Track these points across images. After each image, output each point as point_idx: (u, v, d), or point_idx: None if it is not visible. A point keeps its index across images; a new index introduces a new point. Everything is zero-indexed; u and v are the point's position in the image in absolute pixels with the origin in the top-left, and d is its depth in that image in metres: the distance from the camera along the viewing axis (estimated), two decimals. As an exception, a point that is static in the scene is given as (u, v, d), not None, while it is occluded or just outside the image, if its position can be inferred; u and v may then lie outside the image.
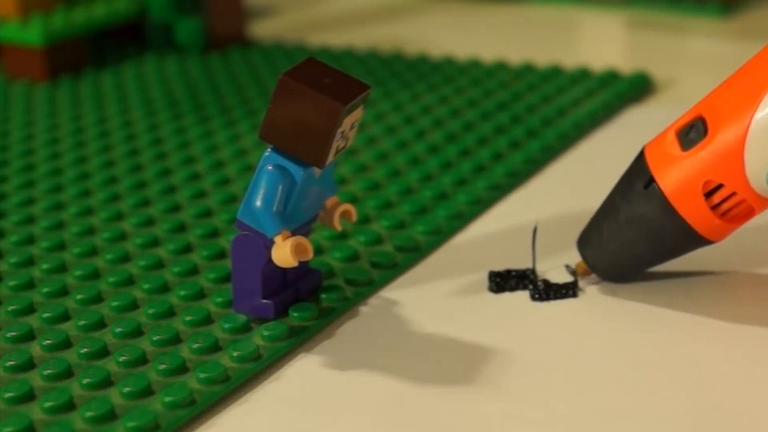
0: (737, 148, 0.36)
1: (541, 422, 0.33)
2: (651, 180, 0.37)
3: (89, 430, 0.33)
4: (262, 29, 0.77)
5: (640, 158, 0.38)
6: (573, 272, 0.40)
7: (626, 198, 0.38)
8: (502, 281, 0.40)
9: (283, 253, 0.36)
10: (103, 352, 0.36)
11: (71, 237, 0.45)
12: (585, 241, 0.39)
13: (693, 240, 0.38)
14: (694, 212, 0.37)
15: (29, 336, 0.37)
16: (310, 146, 0.36)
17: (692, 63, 0.68)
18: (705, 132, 0.36)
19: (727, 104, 0.36)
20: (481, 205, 0.47)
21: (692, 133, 0.37)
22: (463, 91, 0.61)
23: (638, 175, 0.38)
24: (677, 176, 0.37)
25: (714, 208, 0.37)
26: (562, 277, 0.40)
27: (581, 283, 0.40)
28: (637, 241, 0.38)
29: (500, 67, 0.65)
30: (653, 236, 0.38)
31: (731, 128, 0.36)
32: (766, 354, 0.36)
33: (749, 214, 0.37)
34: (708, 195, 0.37)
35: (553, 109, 0.57)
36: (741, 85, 0.36)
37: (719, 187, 0.36)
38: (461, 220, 0.46)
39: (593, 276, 0.40)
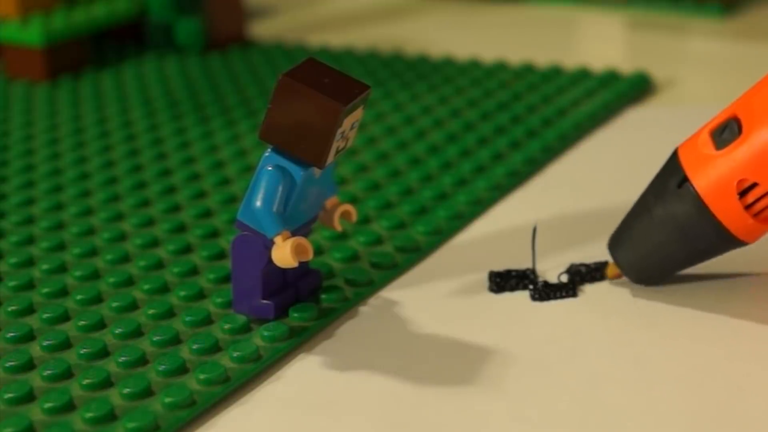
0: None
1: (541, 422, 0.33)
2: (684, 179, 0.37)
3: (89, 430, 0.33)
4: (262, 29, 0.77)
5: (674, 158, 0.38)
6: (570, 277, 0.40)
7: (659, 198, 0.38)
8: (502, 281, 0.40)
9: (283, 253, 0.36)
10: (103, 353, 0.36)
11: (71, 237, 0.45)
12: (616, 243, 0.39)
13: (726, 240, 0.37)
14: (728, 211, 0.36)
15: (29, 336, 0.37)
16: (310, 146, 0.36)
17: (692, 63, 0.68)
18: (739, 131, 0.36)
19: (763, 104, 0.36)
20: (481, 205, 0.47)
21: (726, 132, 0.36)
22: (463, 91, 0.61)
23: (672, 175, 0.37)
24: (711, 175, 0.36)
25: (748, 207, 0.36)
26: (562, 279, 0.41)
27: (581, 284, 0.40)
28: (670, 242, 0.38)
29: (500, 67, 0.65)
30: (686, 236, 0.37)
31: (767, 127, 0.35)
32: (767, 352, 0.36)
33: None
34: (742, 194, 0.36)
35: (553, 109, 0.57)
36: None
37: (753, 186, 0.36)
38: (461, 220, 0.46)
39: (623, 279, 0.40)
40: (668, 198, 0.37)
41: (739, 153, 0.36)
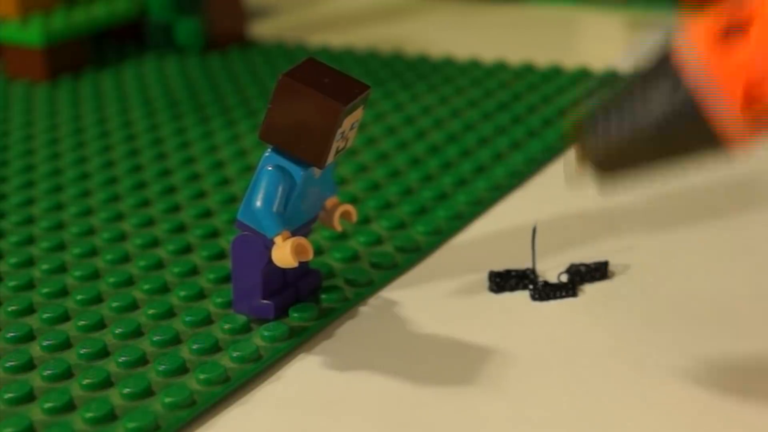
0: None
1: (541, 422, 0.33)
2: (676, 69, 0.32)
3: (89, 430, 0.33)
4: (262, 29, 0.77)
5: (668, 48, 0.33)
6: (570, 277, 0.40)
7: (646, 80, 0.33)
8: (502, 281, 0.40)
9: (283, 253, 0.36)
10: (103, 353, 0.36)
11: (71, 237, 0.45)
12: (586, 124, 0.34)
13: (707, 135, 0.32)
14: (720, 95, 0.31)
15: (29, 336, 0.37)
16: (310, 146, 0.36)
17: (692, 63, 0.67)
18: (742, 27, 0.33)
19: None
20: (481, 205, 0.47)
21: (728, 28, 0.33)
22: (463, 91, 0.61)
23: (663, 64, 0.33)
24: (708, 66, 0.31)
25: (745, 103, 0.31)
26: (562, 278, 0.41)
27: (581, 284, 0.40)
28: (647, 127, 0.32)
29: (500, 67, 0.65)
30: (667, 123, 0.32)
31: None
32: (766, 353, 0.36)
33: None
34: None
35: (553, 109, 0.57)
36: None
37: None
38: (461, 220, 0.46)
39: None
40: (657, 84, 0.33)
41: (745, 47, 0.31)
